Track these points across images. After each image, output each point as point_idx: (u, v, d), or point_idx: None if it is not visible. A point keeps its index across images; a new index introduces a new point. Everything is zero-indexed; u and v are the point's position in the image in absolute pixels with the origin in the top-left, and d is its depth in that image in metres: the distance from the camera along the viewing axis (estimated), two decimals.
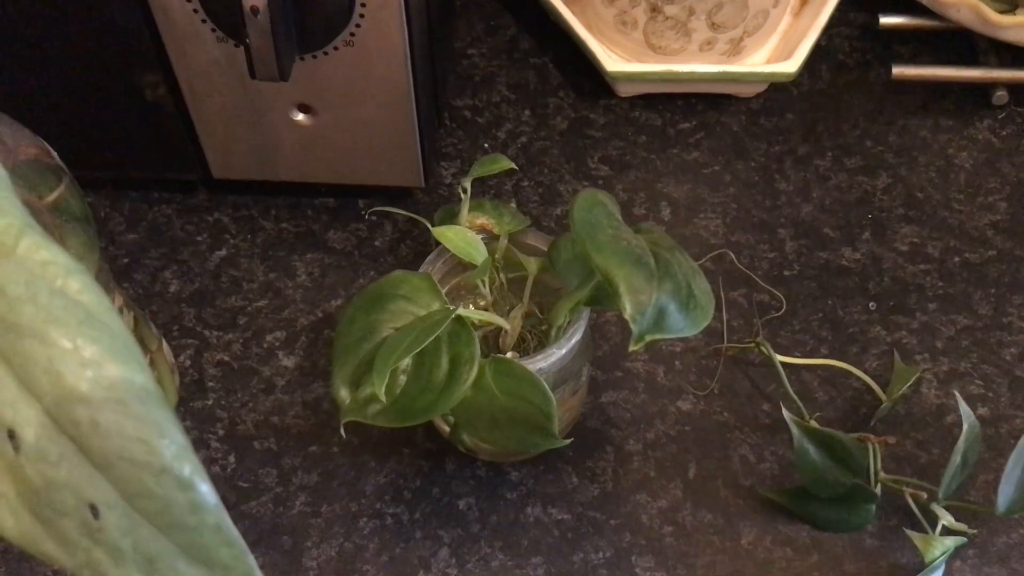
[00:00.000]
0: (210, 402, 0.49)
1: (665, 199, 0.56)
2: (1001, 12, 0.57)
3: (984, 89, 0.60)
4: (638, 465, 0.47)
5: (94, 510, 0.23)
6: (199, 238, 0.54)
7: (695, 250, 0.54)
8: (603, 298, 0.40)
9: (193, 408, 0.49)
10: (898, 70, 0.59)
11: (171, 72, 0.47)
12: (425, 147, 0.51)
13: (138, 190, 0.56)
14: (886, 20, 0.62)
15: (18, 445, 0.23)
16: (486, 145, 0.58)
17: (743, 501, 0.46)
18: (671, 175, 0.57)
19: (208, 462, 0.47)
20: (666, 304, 0.33)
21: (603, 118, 0.59)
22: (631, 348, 0.33)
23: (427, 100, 0.50)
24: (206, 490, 0.23)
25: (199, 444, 0.47)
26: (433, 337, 0.37)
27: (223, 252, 0.54)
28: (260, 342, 0.51)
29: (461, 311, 0.39)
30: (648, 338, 0.33)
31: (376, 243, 0.54)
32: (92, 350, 0.23)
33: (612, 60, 0.57)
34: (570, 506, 0.46)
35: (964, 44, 0.61)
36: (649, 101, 0.60)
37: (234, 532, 0.23)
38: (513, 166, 0.44)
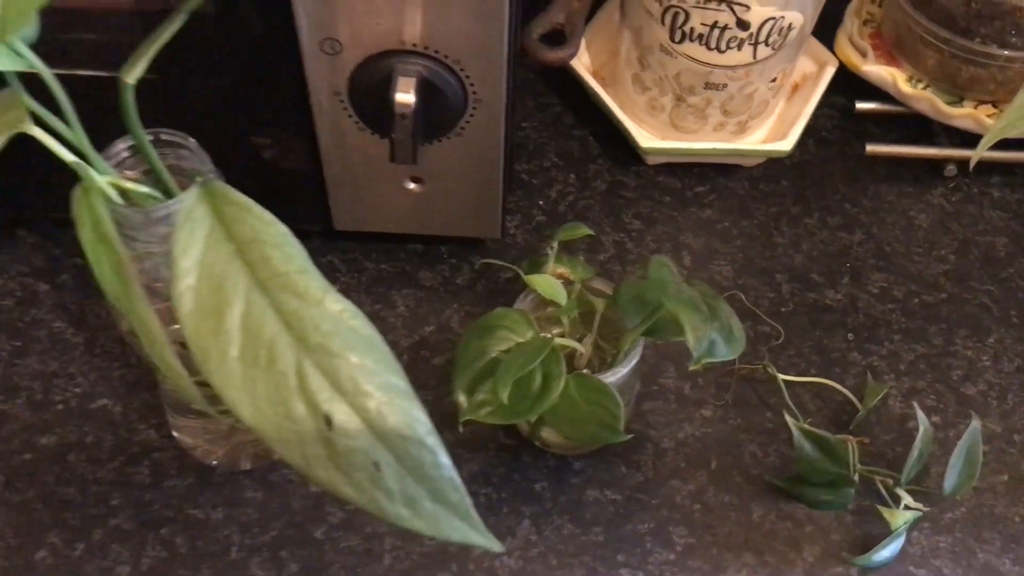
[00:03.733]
0: None
1: (686, 249, 0.70)
2: (950, 103, 0.72)
3: (938, 163, 0.74)
4: (672, 458, 0.61)
5: (376, 467, 0.35)
6: None
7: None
8: (657, 331, 0.53)
9: None
10: (871, 147, 0.74)
11: (317, 148, 0.60)
12: (503, 207, 0.64)
13: None
14: (861, 105, 0.76)
15: (331, 424, 0.36)
16: (541, 203, 0.72)
17: (753, 486, 0.60)
18: (690, 229, 0.71)
19: None
20: (715, 338, 0.48)
21: (634, 182, 0.73)
22: (691, 368, 0.47)
23: (508, 169, 0.63)
24: (444, 455, 0.36)
25: None
26: (538, 360, 0.51)
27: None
28: None
29: (556, 340, 0.52)
30: (704, 361, 0.47)
31: (458, 281, 0.68)
32: (375, 366, 0.36)
33: (644, 137, 0.71)
34: (621, 489, 0.60)
35: (923, 127, 0.75)
36: (671, 168, 0.74)
37: (459, 483, 0.35)
38: (590, 232, 0.58)
